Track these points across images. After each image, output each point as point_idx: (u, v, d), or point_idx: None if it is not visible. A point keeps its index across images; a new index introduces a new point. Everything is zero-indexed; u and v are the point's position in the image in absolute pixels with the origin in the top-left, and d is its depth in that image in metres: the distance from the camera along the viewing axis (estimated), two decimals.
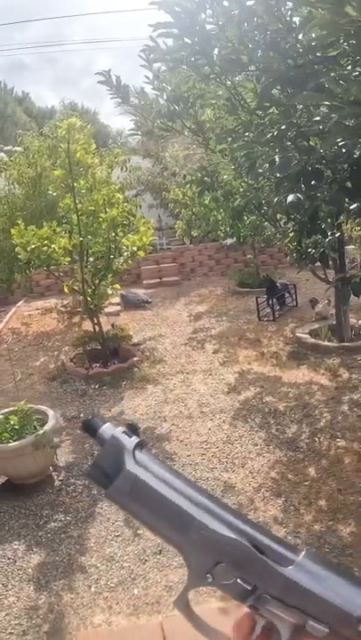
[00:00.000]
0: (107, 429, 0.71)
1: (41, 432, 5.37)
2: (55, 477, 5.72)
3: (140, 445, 0.71)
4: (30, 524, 4.96)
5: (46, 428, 5.49)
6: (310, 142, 3.58)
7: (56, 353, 9.90)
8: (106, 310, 9.47)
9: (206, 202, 11.07)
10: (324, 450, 5.63)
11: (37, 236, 7.44)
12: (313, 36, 2.65)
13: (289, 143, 3.45)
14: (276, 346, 8.92)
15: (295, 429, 6.14)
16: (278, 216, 6.66)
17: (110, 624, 3.73)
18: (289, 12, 2.78)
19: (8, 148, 16.68)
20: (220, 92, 4.03)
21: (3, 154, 13.78)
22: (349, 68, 3.06)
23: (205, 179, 5.07)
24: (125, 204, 8.25)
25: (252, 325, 10.26)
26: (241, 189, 6.31)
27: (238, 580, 0.60)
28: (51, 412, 5.87)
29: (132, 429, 0.71)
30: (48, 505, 5.23)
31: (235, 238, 12.86)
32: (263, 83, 3.15)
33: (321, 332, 8.66)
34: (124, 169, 13.25)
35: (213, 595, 3.87)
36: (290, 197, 3.43)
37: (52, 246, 7.52)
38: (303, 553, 0.60)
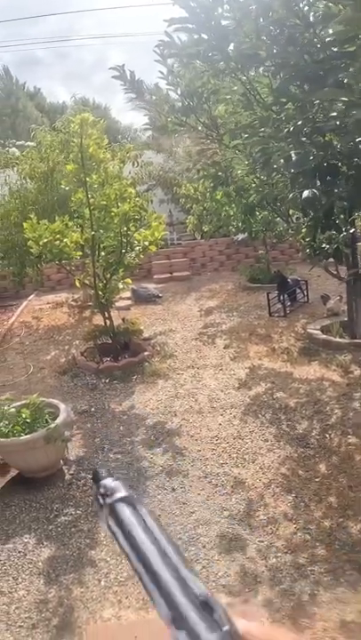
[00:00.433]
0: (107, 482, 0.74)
1: (52, 425, 5.38)
2: (66, 471, 5.74)
3: (125, 500, 0.72)
4: (41, 517, 4.98)
5: (58, 421, 5.50)
6: (326, 138, 3.57)
7: (67, 347, 9.93)
8: (117, 305, 9.50)
9: (218, 197, 11.05)
10: (334, 446, 5.62)
11: (50, 230, 7.47)
12: (330, 31, 2.64)
13: (304, 139, 3.44)
14: (287, 342, 8.91)
15: (306, 425, 6.13)
16: (291, 212, 6.64)
17: (120, 618, 3.75)
18: (305, 8, 2.77)
19: (20, 142, 16.71)
20: (236, 88, 4.02)
21: (15, 149, 13.80)
22: None
23: (219, 174, 5.07)
24: (137, 199, 8.25)
25: (262, 321, 10.24)
26: (253, 185, 6.31)
27: None
28: (62, 406, 5.88)
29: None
30: (58, 499, 5.26)
31: (246, 234, 12.83)
32: (281, 78, 3.14)
33: (332, 329, 8.63)
34: (136, 164, 13.25)
35: (222, 590, 3.89)
36: (305, 193, 3.42)
37: (65, 240, 7.55)
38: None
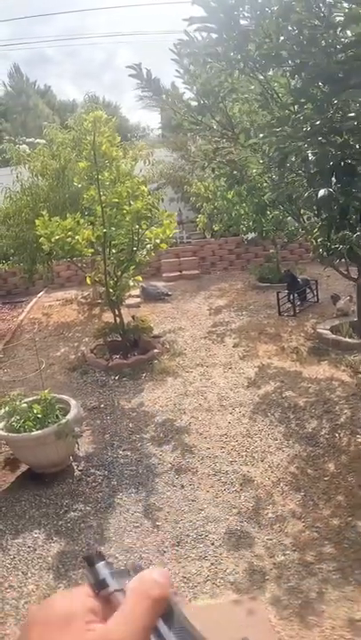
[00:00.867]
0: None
1: (63, 421, 5.42)
2: (75, 467, 5.78)
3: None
4: (50, 513, 5.02)
5: (69, 417, 5.54)
6: (343, 138, 3.58)
7: (76, 344, 9.97)
8: (126, 302, 9.52)
9: (230, 196, 11.06)
10: (344, 446, 5.63)
11: (61, 227, 7.50)
12: (349, 33, 2.65)
13: (321, 138, 3.46)
14: (296, 341, 8.92)
15: (315, 425, 6.15)
16: (302, 211, 6.65)
17: None
18: (324, 9, 2.78)
19: (30, 140, 16.74)
20: (253, 87, 4.04)
21: (25, 146, 13.85)
22: None
23: (234, 172, 5.08)
24: (149, 197, 8.28)
25: (272, 320, 10.25)
26: (265, 184, 6.32)
27: None
28: (73, 402, 5.92)
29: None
30: (68, 494, 5.29)
31: (256, 233, 12.83)
32: (303, 78, 3.16)
33: (342, 329, 8.63)
34: (147, 162, 13.27)
35: (230, 587, 3.91)
36: (321, 192, 3.43)
37: (76, 237, 7.58)
38: None
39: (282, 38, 2.98)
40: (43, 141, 12.44)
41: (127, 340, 8.84)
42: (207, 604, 3.78)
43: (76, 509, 5.03)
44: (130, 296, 10.33)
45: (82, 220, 7.89)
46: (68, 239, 7.55)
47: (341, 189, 3.46)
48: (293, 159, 3.79)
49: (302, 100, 3.41)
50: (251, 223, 11.87)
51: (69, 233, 7.56)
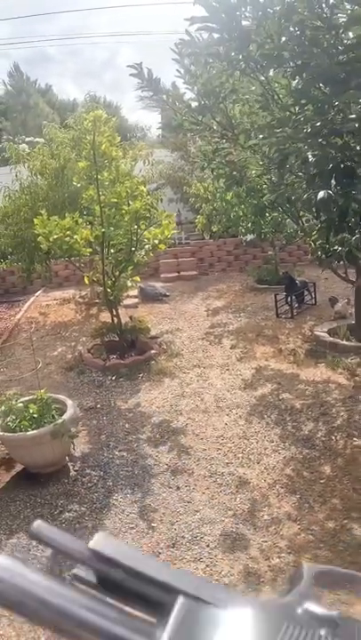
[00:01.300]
0: None
1: (60, 421, 5.40)
2: (71, 467, 5.76)
3: None
4: (45, 513, 4.99)
5: (65, 417, 5.52)
6: (344, 140, 3.57)
7: (73, 343, 9.96)
8: (124, 302, 9.51)
9: (229, 197, 11.05)
10: (340, 448, 5.63)
11: (60, 226, 7.49)
12: (351, 35, 2.65)
13: (322, 140, 3.45)
14: (293, 343, 8.91)
15: (311, 427, 6.14)
16: (301, 213, 6.65)
17: None
18: (327, 10, 2.77)
19: (30, 139, 16.73)
20: (254, 88, 4.03)
21: (24, 145, 13.85)
22: None
23: (234, 173, 5.06)
24: (148, 197, 8.27)
25: (270, 322, 10.25)
26: (265, 185, 6.31)
27: None
28: (69, 402, 5.90)
29: None
30: (63, 495, 5.27)
31: (255, 234, 12.82)
32: (304, 79, 3.15)
33: (340, 331, 8.63)
34: (147, 162, 13.26)
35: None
36: (320, 194, 3.43)
37: (75, 237, 7.57)
38: None
39: (283, 39, 2.97)
40: (42, 140, 12.44)
41: (124, 340, 8.83)
42: None
43: (71, 510, 5.01)
44: (128, 296, 10.32)
45: (80, 220, 7.87)
46: (67, 239, 7.54)
47: (341, 191, 3.45)
48: (293, 161, 3.78)
49: (303, 102, 3.40)
50: (250, 225, 11.86)
51: (68, 232, 7.55)
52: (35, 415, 5.57)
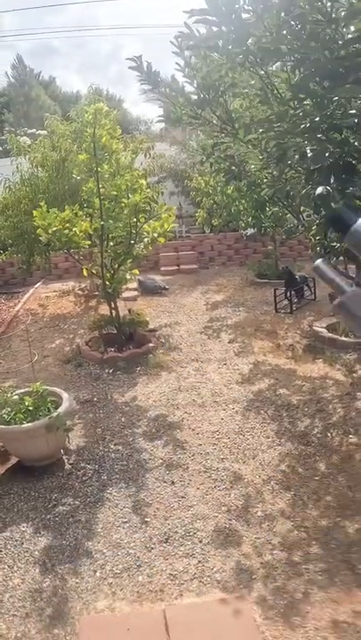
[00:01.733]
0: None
1: (55, 414, 5.39)
2: (66, 461, 5.74)
3: None
4: (39, 506, 4.98)
5: (60, 410, 5.51)
6: (343, 135, 3.54)
7: (71, 336, 9.94)
8: (123, 295, 9.49)
9: (229, 191, 11.01)
10: (335, 445, 5.61)
11: (59, 218, 7.47)
12: (352, 28, 2.61)
13: (321, 135, 3.42)
14: (292, 338, 8.89)
15: (308, 423, 6.13)
16: (302, 208, 6.62)
17: (113, 610, 3.75)
18: (329, 4, 2.74)
19: (32, 131, 16.67)
20: (253, 82, 3.99)
21: (25, 137, 13.82)
22: None
23: (233, 168, 5.03)
24: (148, 191, 8.25)
25: (268, 317, 10.23)
26: (265, 180, 6.28)
27: None
28: (65, 395, 5.88)
29: None
30: (57, 488, 5.26)
31: (255, 229, 12.79)
32: (302, 73, 3.12)
33: (339, 327, 8.61)
34: (148, 155, 13.22)
35: (217, 586, 3.89)
36: (319, 190, 3.41)
37: (74, 229, 7.55)
38: None
39: (283, 32, 2.94)
40: (44, 132, 12.40)
41: (122, 333, 8.82)
42: (193, 602, 3.76)
43: (65, 503, 5.00)
44: (127, 289, 10.31)
45: (80, 213, 7.85)
46: (66, 231, 7.51)
47: (338, 188, 3.43)
48: (292, 155, 3.75)
49: (301, 96, 3.37)
50: (250, 219, 11.82)
51: (67, 225, 7.53)
52: (30, 408, 5.56)
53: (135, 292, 12.35)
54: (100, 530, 4.60)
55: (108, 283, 8.34)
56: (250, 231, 14.36)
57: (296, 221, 7.57)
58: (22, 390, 5.94)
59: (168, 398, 7.02)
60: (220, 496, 4.94)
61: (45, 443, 5.44)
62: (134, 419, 6.55)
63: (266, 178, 6.03)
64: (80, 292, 13.09)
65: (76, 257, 8.67)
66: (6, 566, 4.23)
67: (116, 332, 8.83)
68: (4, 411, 5.54)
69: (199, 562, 4.13)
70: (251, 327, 9.63)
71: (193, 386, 7.34)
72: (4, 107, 40.57)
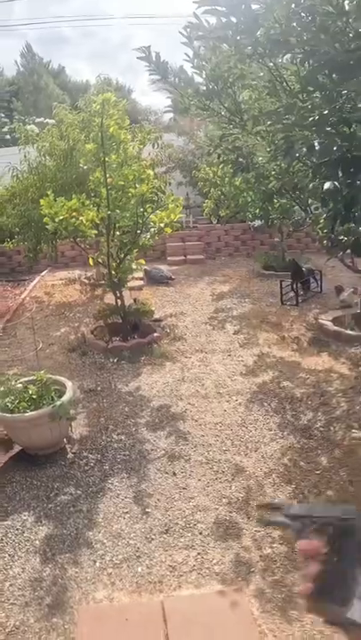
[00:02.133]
0: None
1: (58, 403, 5.40)
2: (69, 450, 5.77)
3: None
4: (41, 495, 5.01)
5: (64, 399, 5.51)
6: (352, 129, 3.51)
7: (77, 324, 9.95)
8: (129, 285, 9.48)
9: (237, 183, 10.96)
10: (338, 439, 5.61)
11: (66, 207, 7.45)
12: None
13: (329, 128, 3.39)
14: (297, 331, 8.88)
15: (311, 417, 6.12)
16: (309, 201, 6.58)
17: (112, 600, 3.77)
18: None
19: (40, 120, 16.60)
20: (262, 74, 3.96)
21: (33, 126, 13.77)
22: None
23: (240, 159, 4.99)
24: (155, 181, 8.22)
25: (274, 309, 10.21)
26: (273, 172, 6.24)
27: None
28: (69, 384, 5.89)
29: None
30: (60, 477, 5.28)
31: (263, 221, 12.73)
32: (311, 66, 3.08)
33: (344, 321, 8.59)
34: (156, 146, 13.16)
35: (215, 578, 3.90)
36: (327, 184, 3.38)
37: (80, 218, 7.53)
38: None
39: (293, 24, 2.90)
40: (52, 121, 12.36)
41: (128, 322, 8.82)
42: (191, 593, 3.77)
43: (66, 493, 5.02)
44: (133, 278, 10.28)
45: (87, 202, 7.83)
46: (72, 220, 7.50)
47: (346, 181, 3.40)
48: (299, 148, 3.72)
49: (310, 89, 3.34)
50: (257, 211, 11.76)
51: (74, 213, 7.51)
52: (34, 396, 5.57)
53: (141, 282, 12.32)
54: (100, 520, 4.62)
55: (113, 272, 8.33)
56: (257, 223, 14.30)
57: (304, 214, 7.53)
58: (26, 378, 5.94)
59: (172, 389, 7.02)
60: (222, 488, 4.95)
61: (49, 431, 5.46)
62: (137, 409, 6.56)
63: (274, 170, 5.99)
64: (86, 281, 13.08)
65: (83, 246, 8.65)
66: (7, 555, 4.25)
67: (121, 321, 8.83)
68: (7, 399, 5.55)
69: (199, 554, 4.14)
70: (256, 319, 9.61)
71: (197, 377, 7.34)
72: (12, 95, 40.48)
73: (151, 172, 8.11)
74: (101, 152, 7.61)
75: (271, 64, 3.71)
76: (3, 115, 30.86)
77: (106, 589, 3.87)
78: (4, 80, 43.51)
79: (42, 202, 7.53)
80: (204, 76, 4.32)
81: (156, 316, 9.78)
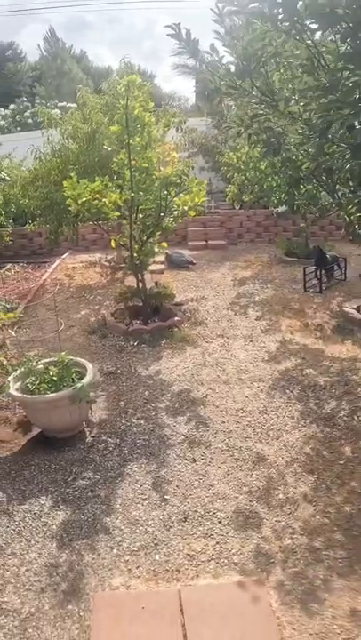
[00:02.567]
0: None
1: (79, 385, 5.35)
2: (87, 433, 5.74)
3: None
4: (59, 479, 4.99)
5: (84, 381, 5.47)
6: None
7: (97, 307, 9.91)
8: (150, 268, 9.41)
9: (262, 167, 10.81)
10: None
11: (89, 189, 7.39)
12: None
13: None
14: (320, 318, 8.76)
15: (334, 405, 6.03)
16: (337, 187, 6.44)
17: (128, 588, 3.74)
18: None
19: (62, 104, 16.49)
20: (299, 52, 3.83)
21: (57, 110, 13.67)
22: None
23: (272, 140, 4.86)
24: (179, 164, 8.12)
25: (297, 295, 10.08)
26: (300, 156, 6.09)
27: None
28: (90, 366, 5.84)
29: None
30: (78, 461, 5.25)
31: (287, 206, 12.57)
32: (357, 42, 2.95)
33: None
34: (180, 130, 13.02)
35: (234, 568, 3.85)
36: None
37: (103, 200, 7.46)
38: None
39: None
40: (75, 106, 12.28)
41: (148, 305, 8.77)
42: (209, 583, 3.73)
43: (84, 477, 4.99)
44: (154, 262, 10.21)
45: (110, 184, 7.76)
46: (95, 202, 7.43)
47: None
48: (337, 128, 3.60)
49: (352, 66, 3.20)
50: (282, 196, 11.60)
51: (97, 196, 7.44)
52: (54, 378, 5.54)
53: (162, 266, 12.25)
54: (118, 506, 4.58)
55: (135, 255, 8.27)
56: (281, 208, 14.12)
57: (331, 199, 7.38)
58: (47, 360, 5.92)
59: (192, 373, 6.97)
60: (242, 476, 4.89)
61: (68, 414, 5.43)
62: (157, 393, 6.51)
63: (301, 154, 5.85)
64: (106, 264, 13.05)
65: (105, 228, 8.59)
66: (24, 539, 4.24)
67: (142, 304, 8.78)
68: (28, 380, 5.52)
69: (217, 543, 4.10)
70: (278, 305, 9.50)
71: (218, 362, 7.27)
72: (35, 80, 40.45)
73: (176, 155, 8.02)
74: (126, 134, 7.52)
75: (309, 41, 3.57)
76: (25, 99, 30.79)
77: (123, 576, 3.84)
78: (27, 65, 43.51)
79: (65, 184, 7.47)
80: (234, 54, 4.21)
81: (177, 299, 9.71)
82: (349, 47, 3.09)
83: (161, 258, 11.79)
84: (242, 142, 8.50)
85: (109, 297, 10.23)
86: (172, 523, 4.35)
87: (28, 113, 27.04)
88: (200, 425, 5.78)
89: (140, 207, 8.09)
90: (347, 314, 8.57)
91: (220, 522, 4.32)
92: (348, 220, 6.52)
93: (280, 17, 3.22)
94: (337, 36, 3.24)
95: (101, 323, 8.83)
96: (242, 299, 10.05)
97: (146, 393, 6.54)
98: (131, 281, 9.55)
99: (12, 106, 28.34)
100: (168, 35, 4.32)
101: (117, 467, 5.12)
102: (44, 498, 4.73)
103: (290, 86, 4.45)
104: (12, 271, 12.83)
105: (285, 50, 3.92)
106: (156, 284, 9.63)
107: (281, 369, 6.98)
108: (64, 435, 5.58)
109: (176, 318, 8.60)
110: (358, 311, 8.55)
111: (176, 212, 8.06)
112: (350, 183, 4.92)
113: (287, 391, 6.41)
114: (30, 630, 3.42)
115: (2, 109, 27.76)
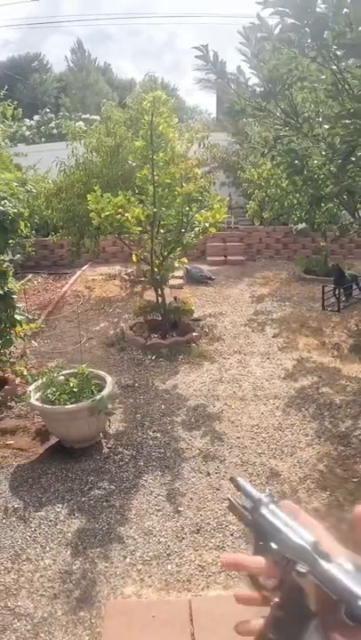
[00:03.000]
0: None
1: (98, 397, 5.43)
2: (104, 444, 5.80)
3: None
4: (75, 488, 5.05)
5: (104, 393, 5.55)
6: None
7: (116, 320, 10.01)
8: (169, 283, 9.51)
9: (284, 185, 10.90)
10: None
11: (112, 203, 7.50)
12: None
13: None
14: (338, 337, 8.79)
15: (349, 424, 6.05)
16: (358, 205, 6.50)
17: (140, 596, 3.78)
18: None
19: (86, 116, 16.69)
20: (324, 77, 3.92)
21: (81, 122, 13.85)
22: None
23: (295, 162, 4.95)
24: (201, 180, 8.22)
25: (315, 314, 10.12)
26: (322, 176, 6.17)
27: None
28: (109, 378, 5.91)
29: None
30: (94, 472, 5.31)
31: (307, 224, 12.63)
32: None
33: None
34: (202, 145, 13.16)
35: (244, 580, 3.88)
36: None
37: (126, 215, 7.57)
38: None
39: None
40: (98, 118, 12.46)
41: (167, 320, 8.85)
42: (219, 594, 3.76)
43: (100, 487, 5.05)
44: (173, 277, 10.30)
45: (132, 199, 7.88)
46: (118, 216, 7.54)
47: None
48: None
49: None
50: (303, 214, 11.68)
51: (119, 210, 7.56)
52: (74, 389, 5.62)
53: (181, 281, 12.35)
54: (132, 516, 4.63)
55: (156, 269, 8.37)
56: (301, 226, 14.20)
57: (352, 219, 7.43)
58: (68, 371, 6.00)
59: (209, 389, 7.02)
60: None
61: (86, 425, 5.50)
62: (174, 407, 6.58)
63: (324, 174, 5.93)
64: (126, 277, 13.17)
65: (126, 242, 8.71)
66: (39, 546, 4.30)
67: (160, 318, 8.86)
68: (49, 390, 5.61)
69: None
70: (296, 323, 9.55)
71: (234, 378, 7.32)
72: (60, 91, 40.89)
73: (198, 171, 8.12)
74: (150, 150, 7.64)
75: (335, 67, 3.67)
76: (49, 109, 31.15)
77: (135, 585, 3.88)
78: (52, 76, 44.01)
79: (89, 197, 7.59)
80: (261, 77, 4.31)
81: (196, 315, 9.78)
82: None
83: (180, 273, 11.90)
84: (265, 159, 8.59)
85: (128, 310, 10.33)
86: (185, 534, 4.39)
87: (52, 124, 27.36)
88: (215, 439, 5.83)
89: (162, 222, 8.20)
90: None
91: (232, 534, 4.35)
92: None
93: (309, 46, 3.31)
94: None
95: (120, 336, 8.91)
96: (260, 315, 10.11)
97: (162, 407, 6.60)
98: (150, 295, 9.65)
99: (36, 117, 28.66)
100: (196, 56, 4.44)
101: (133, 478, 5.18)
102: (59, 506, 4.79)
103: (313, 107, 4.54)
104: (35, 282, 12.99)
105: (311, 74, 4.01)
106: (175, 298, 9.71)
107: (297, 387, 7.01)
108: (81, 445, 5.65)
109: (194, 334, 8.67)
110: None
111: (197, 229, 8.15)
112: None
113: (303, 409, 6.44)
114: (42, 635, 3.47)
115: (27, 120, 28.12)
